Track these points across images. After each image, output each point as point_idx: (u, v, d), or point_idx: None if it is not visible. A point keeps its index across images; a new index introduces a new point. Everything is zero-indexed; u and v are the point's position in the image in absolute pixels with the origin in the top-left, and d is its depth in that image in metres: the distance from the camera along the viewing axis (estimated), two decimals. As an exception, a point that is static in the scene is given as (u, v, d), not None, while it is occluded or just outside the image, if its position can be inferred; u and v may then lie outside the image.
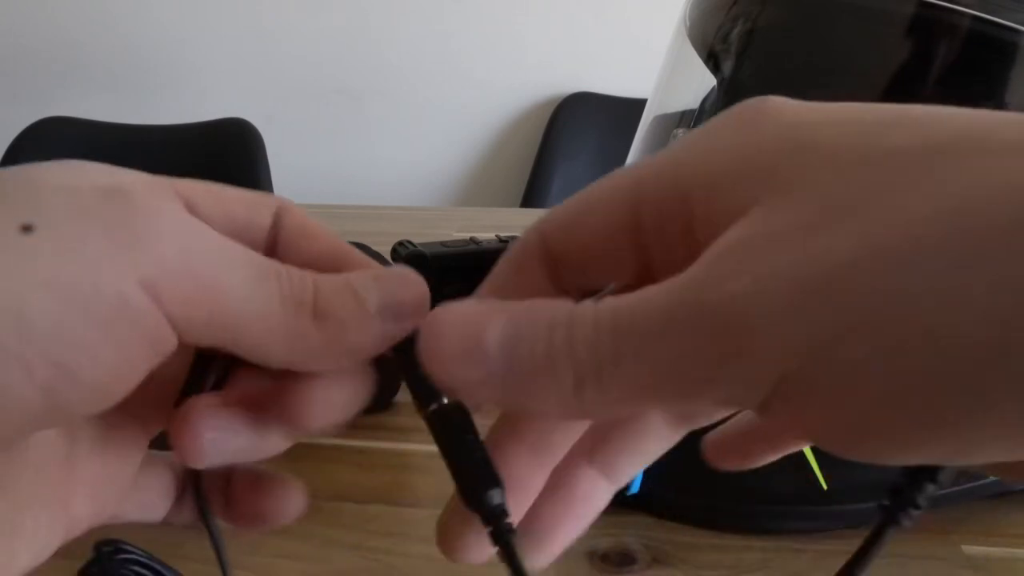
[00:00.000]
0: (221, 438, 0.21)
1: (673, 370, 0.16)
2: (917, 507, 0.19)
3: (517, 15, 2.00)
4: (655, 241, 0.20)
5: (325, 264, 0.23)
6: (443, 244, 0.69)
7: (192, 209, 0.22)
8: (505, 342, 0.18)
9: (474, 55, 2.03)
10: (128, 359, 0.18)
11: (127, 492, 0.24)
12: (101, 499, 0.23)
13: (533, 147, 2.00)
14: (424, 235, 0.72)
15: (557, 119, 1.98)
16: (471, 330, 0.18)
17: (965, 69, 0.41)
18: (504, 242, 0.70)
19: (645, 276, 0.20)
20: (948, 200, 0.14)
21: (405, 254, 0.67)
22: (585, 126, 1.95)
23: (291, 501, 0.25)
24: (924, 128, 0.15)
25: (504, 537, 0.21)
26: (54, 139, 1.78)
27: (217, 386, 0.23)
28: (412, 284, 0.22)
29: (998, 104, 0.41)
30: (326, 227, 0.24)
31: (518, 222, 1.21)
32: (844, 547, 0.42)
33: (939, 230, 0.14)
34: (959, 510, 0.44)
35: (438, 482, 0.49)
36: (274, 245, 0.24)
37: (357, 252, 0.24)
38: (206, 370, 0.23)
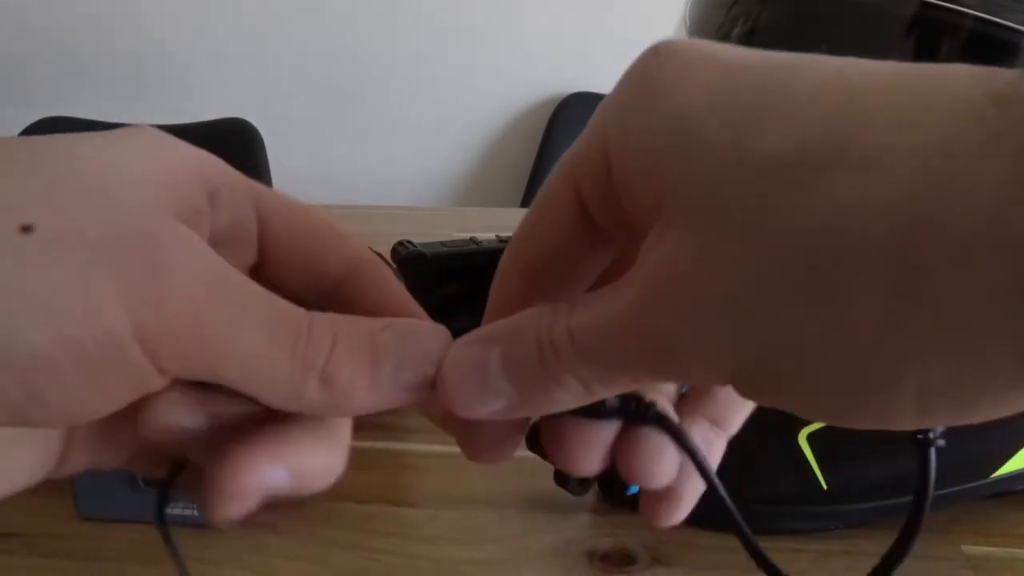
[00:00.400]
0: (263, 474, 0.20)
1: (643, 378, 0.19)
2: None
3: (517, 15, 2.00)
4: (606, 221, 0.21)
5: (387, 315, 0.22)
6: (443, 244, 0.69)
7: (263, 224, 0.22)
8: (507, 371, 0.19)
9: (474, 55, 2.03)
10: (105, 395, 0.18)
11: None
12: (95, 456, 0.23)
13: (533, 147, 2.00)
14: (424, 235, 0.72)
15: (557, 119, 1.98)
16: (476, 373, 0.19)
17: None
18: (504, 242, 0.70)
19: (620, 261, 0.21)
20: (812, 219, 0.15)
21: (405, 254, 0.67)
22: (585, 126, 1.95)
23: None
24: (797, 125, 0.16)
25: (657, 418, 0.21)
26: (54, 139, 1.78)
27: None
28: (436, 352, 0.21)
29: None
30: (397, 283, 0.24)
31: (518, 222, 1.20)
32: (844, 547, 0.42)
33: (801, 258, 0.15)
34: (959, 510, 0.44)
35: (438, 482, 0.49)
36: (339, 287, 0.23)
37: (420, 312, 0.23)
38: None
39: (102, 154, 0.20)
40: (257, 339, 0.19)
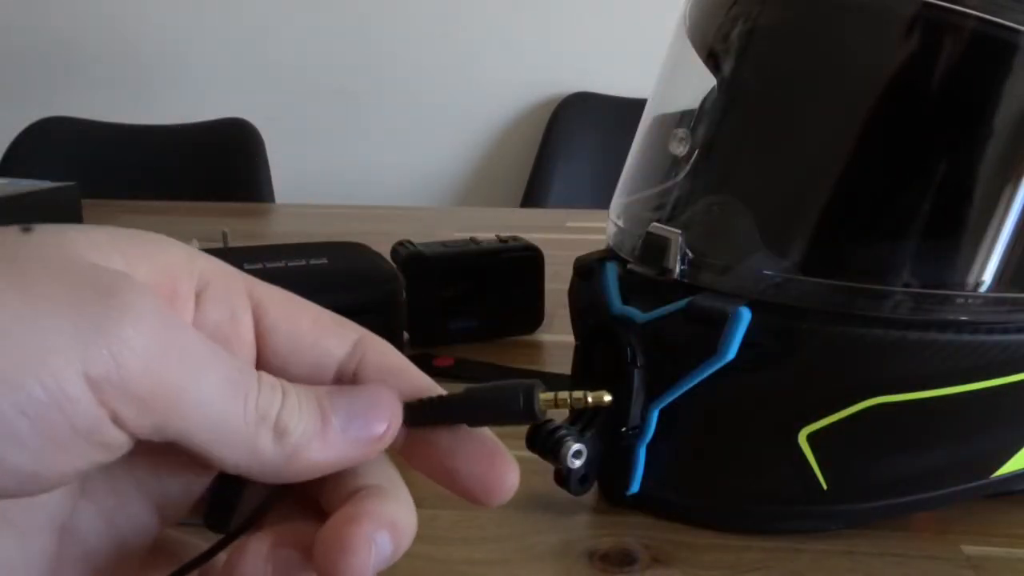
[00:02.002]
0: None
1: None
2: None
3: (517, 15, 2.00)
4: None
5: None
6: (443, 244, 0.69)
7: (260, 314, 0.22)
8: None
9: (474, 55, 2.03)
10: (61, 451, 0.18)
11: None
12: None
13: (533, 147, 2.00)
14: (424, 235, 0.72)
15: (557, 119, 1.98)
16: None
17: (965, 69, 0.41)
18: (504, 242, 0.70)
19: None
20: None
21: (405, 254, 0.67)
22: (585, 126, 1.95)
23: None
24: None
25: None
26: (54, 139, 1.78)
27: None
28: (385, 408, 0.22)
29: (997, 105, 0.41)
30: (411, 365, 0.24)
31: (518, 222, 1.21)
32: (844, 547, 0.42)
33: None
34: (959, 510, 0.44)
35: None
36: (352, 379, 0.23)
37: (422, 375, 0.24)
38: (235, 495, 0.23)
39: (85, 236, 0.20)
40: (211, 390, 0.19)
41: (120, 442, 0.19)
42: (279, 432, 0.20)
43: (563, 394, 0.23)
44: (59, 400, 0.17)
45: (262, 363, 0.24)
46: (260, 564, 0.21)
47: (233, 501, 0.23)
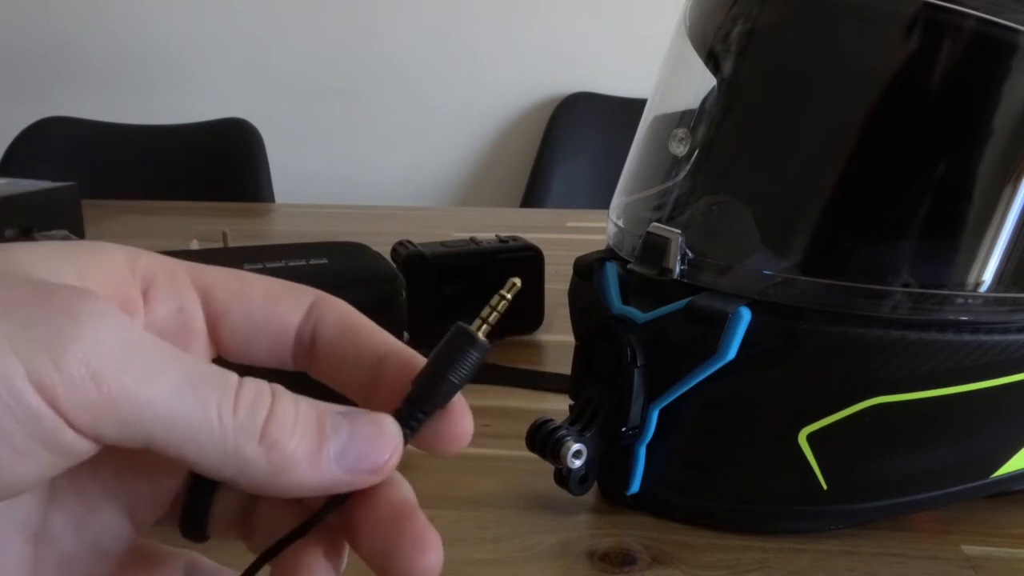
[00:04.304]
0: None
1: None
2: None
3: (517, 15, 2.00)
4: None
5: (368, 362, 0.23)
6: (443, 244, 0.69)
7: (209, 300, 0.22)
8: None
9: (474, 55, 2.03)
10: (20, 457, 0.18)
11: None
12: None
13: (533, 147, 2.00)
14: (424, 235, 0.72)
15: (557, 119, 1.98)
16: None
17: (965, 69, 0.41)
18: (504, 242, 0.70)
19: None
20: None
21: (405, 254, 0.67)
22: (585, 126, 1.95)
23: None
24: None
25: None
26: (54, 139, 1.78)
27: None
28: (388, 440, 0.21)
29: (997, 105, 0.41)
30: (370, 323, 0.24)
31: (518, 222, 1.21)
32: (844, 547, 0.42)
33: None
34: (959, 510, 0.44)
35: (438, 482, 0.49)
36: (311, 342, 0.23)
37: (406, 350, 0.23)
38: (207, 497, 0.22)
39: (31, 251, 0.20)
40: (168, 393, 0.19)
41: (82, 448, 0.18)
42: (268, 442, 0.20)
43: (484, 312, 0.23)
44: (12, 408, 0.17)
45: (221, 348, 0.23)
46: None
47: (205, 507, 0.23)
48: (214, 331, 0.23)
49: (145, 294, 0.22)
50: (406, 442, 0.22)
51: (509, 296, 0.23)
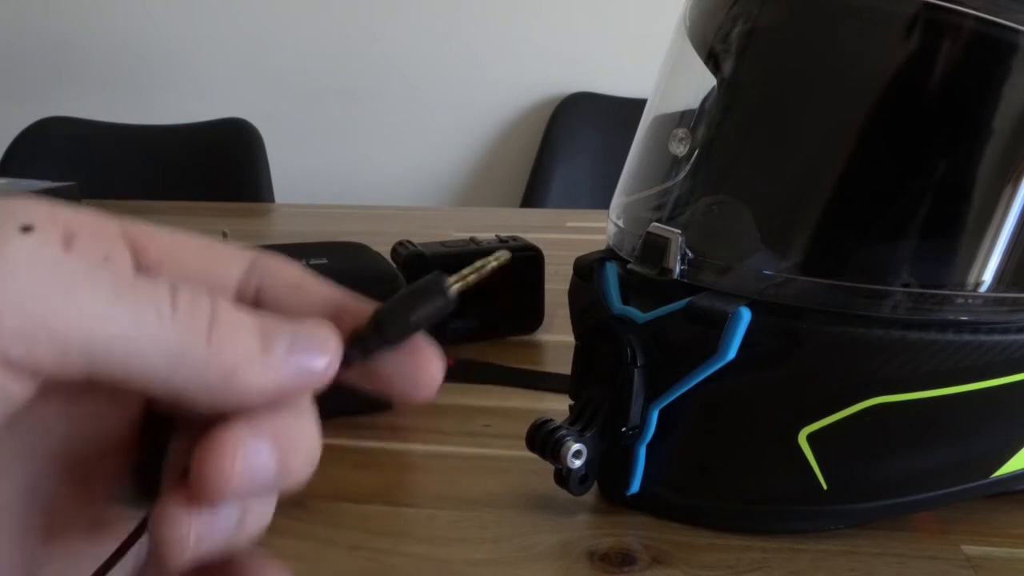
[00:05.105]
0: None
1: None
2: None
3: (517, 15, 2.00)
4: None
5: (319, 315, 0.22)
6: (443, 244, 0.69)
7: (140, 251, 0.21)
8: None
9: (474, 55, 2.03)
10: None
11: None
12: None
13: (533, 147, 2.00)
14: (424, 235, 0.72)
15: (557, 119, 1.98)
16: None
17: (965, 69, 0.41)
18: (504, 242, 0.70)
19: None
20: None
21: (405, 254, 0.67)
22: (585, 126, 1.95)
23: None
24: None
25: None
26: (54, 139, 1.78)
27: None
28: (327, 342, 0.21)
29: (997, 105, 0.41)
30: (315, 279, 0.23)
31: (518, 222, 1.21)
32: (844, 547, 0.42)
33: None
34: (959, 510, 0.44)
35: (438, 482, 0.49)
36: (255, 301, 0.22)
37: (364, 301, 0.23)
38: (162, 434, 0.22)
39: None
40: (104, 303, 0.18)
41: (19, 389, 0.18)
42: (216, 344, 0.19)
43: (466, 271, 0.23)
44: None
45: None
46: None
47: (158, 459, 0.22)
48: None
49: (68, 243, 0.21)
50: (352, 362, 0.21)
51: (495, 263, 0.23)
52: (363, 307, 0.22)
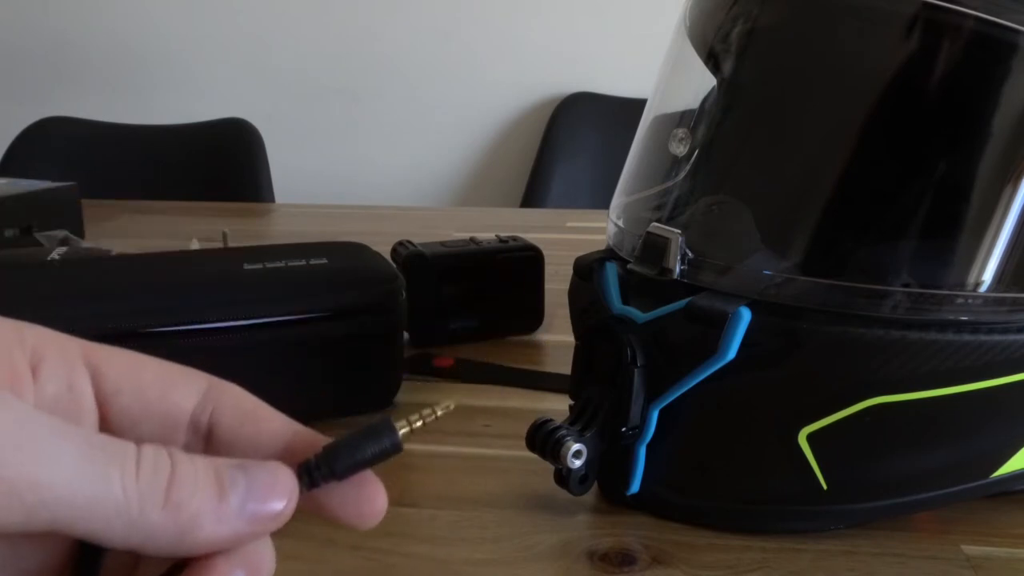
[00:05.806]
0: None
1: None
2: None
3: (517, 15, 2.00)
4: None
5: (272, 449, 0.23)
6: (443, 244, 0.69)
7: (100, 377, 0.22)
8: None
9: (474, 55, 2.03)
10: None
11: None
12: None
13: (533, 147, 2.00)
14: (424, 235, 0.72)
15: (557, 119, 1.98)
16: None
17: (965, 70, 0.41)
18: (504, 242, 0.70)
19: None
20: None
21: (405, 254, 0.67)
22: (585, 126, 1.95)
23: None
24: None
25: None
26: (54, 139, 1.78)
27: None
28: (283, 485, 0.22)
29: (997, 105, 0.41)
30: (269, 408, 0.24)
31: (518, 222, 1.21)
32: (844, 547, 0.42)
33: None
34: (959, 510, 0.44)
35: (438, 482, 0.49)
36: (209, 429, 0.23)
37: (312, 434, 0.24)
38: (96, 553, 0.22)
39: None
40: (70, 472, 0.19)
41: None
42: (172, 506, 0.20)
43: (413, 417, 0.24)
44: None
45: (111, 428, 0.23)
46: None
47: (95, 570, 0.22)
48: (103, 409, 0.23)
49: (34, 370, 0.22)
50: (302, 492, 0.22)
51: (440, 413, 0.24)
52: (315, 439, 0.23)
